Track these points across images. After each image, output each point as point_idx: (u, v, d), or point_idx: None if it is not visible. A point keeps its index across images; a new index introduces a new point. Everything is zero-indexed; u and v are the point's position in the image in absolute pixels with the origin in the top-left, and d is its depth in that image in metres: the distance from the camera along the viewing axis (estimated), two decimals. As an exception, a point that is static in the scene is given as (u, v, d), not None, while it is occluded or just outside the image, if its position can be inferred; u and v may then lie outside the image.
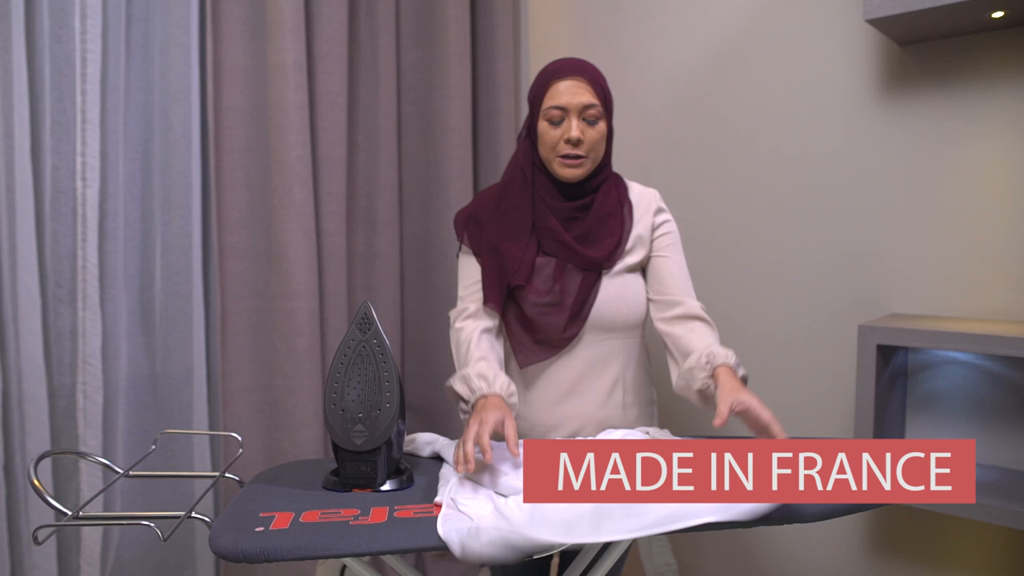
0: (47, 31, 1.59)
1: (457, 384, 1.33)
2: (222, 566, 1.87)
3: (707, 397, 1.29)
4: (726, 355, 1.27)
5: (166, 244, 1.78)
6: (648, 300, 1.48)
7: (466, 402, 1.30)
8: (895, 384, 1.65)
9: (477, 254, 1.48)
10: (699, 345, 1.33)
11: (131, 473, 1.24)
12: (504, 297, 1.43)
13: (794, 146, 1.83)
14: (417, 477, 1.22)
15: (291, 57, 1.81)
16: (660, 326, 1.44)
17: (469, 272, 1.49)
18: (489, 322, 1.44)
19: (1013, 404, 1.58)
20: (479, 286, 1.46)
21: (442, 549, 0.99)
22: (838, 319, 1.78)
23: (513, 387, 1.33)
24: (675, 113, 2.04)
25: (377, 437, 1.15)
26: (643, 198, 1.52)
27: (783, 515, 1.05)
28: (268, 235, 1.86)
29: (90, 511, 1.65)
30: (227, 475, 1.25)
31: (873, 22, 1.51)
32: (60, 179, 1.62)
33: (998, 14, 1.47)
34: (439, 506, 1.10)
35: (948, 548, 1.67)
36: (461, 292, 1.50)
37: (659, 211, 1.51)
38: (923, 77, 1.65)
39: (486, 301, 1.43)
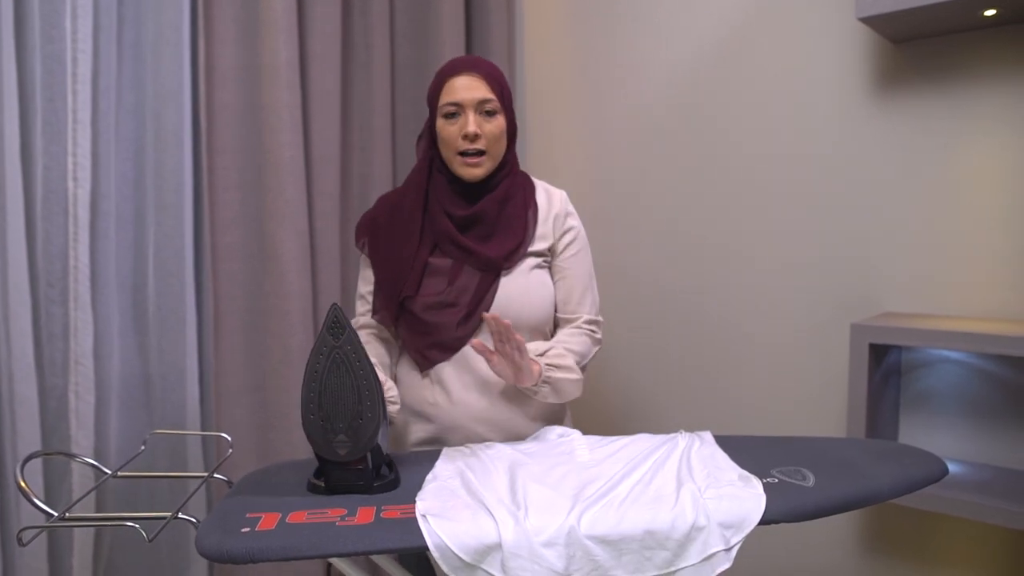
0: (38, 31, 1.58)
1: None
2: (216, 568, 1.87)
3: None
4: (535, 349, 1.40)
5: (158, 244, 1.78)
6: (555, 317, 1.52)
7: None
8: (888, 383, 1.64)
9: (372, 265, 1.51)
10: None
11: (119, 474, 1.24)
12: (396, 311, 1.46)
13: (787, 144, 1.82)
14: (404, 477, 1.21)
15: (284, 56, 1.80)
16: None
17: (364, 280, 1.55)
18: (381, 332, 1.52)
19: (1007, 403, 1.57)
20: (370, 296, 1.52)
21: (427, 549, 0.99)
22: (831, 317, 1.77)
23: (390, 383, 1.37)
24: (668, 110, 2.03)
25: (361, 447, 1.13)
26: (550, 200, 1.52)
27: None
28: (261, 235, 1.85)
29: (82, 512, 1.66)
30: (216, 476, 1.24)
31: (865, 20, 1.50)
32: (51, 179, 1.61)
33: (990, 12, 1.46)
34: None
35: (942, 547, 1.67)
36: (358, 306, 1.56)
37: (566, 216, 1.51)
38: (916, 75, 1.64)
39: (380, 319, 1.49)
